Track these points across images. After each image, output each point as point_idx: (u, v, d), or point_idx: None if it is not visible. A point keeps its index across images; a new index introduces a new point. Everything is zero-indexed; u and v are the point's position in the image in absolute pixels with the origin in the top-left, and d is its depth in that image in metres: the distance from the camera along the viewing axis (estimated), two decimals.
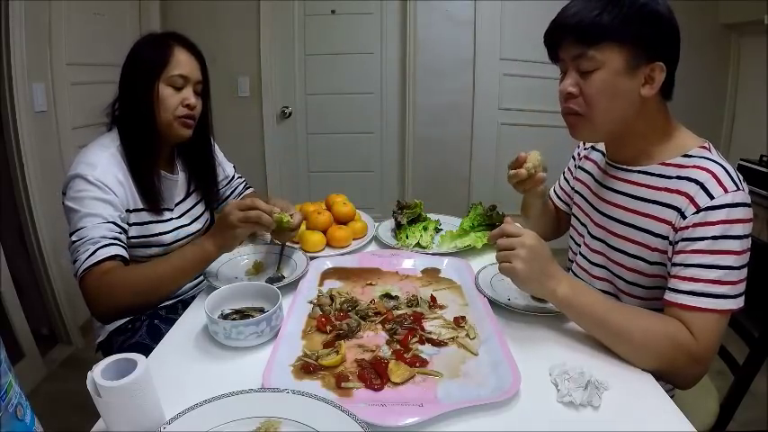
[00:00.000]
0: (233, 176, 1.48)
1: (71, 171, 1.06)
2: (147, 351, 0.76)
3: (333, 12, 3.02)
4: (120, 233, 1.05)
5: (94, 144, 1.13)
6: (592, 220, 1.04)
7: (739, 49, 2.92)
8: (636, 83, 0.86)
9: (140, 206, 1.14)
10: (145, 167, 1.14)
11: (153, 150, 1.16)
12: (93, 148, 1.11)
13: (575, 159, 1.19)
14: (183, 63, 1.13)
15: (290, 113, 3.19)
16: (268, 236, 1.33)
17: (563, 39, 0.89)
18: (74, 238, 1.01)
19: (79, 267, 0.98)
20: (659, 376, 0.80)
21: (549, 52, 0.93)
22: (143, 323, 1.18)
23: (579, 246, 1.09)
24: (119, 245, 1.02)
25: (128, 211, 1.11)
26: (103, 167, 1.07)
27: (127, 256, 1.04)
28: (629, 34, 0.83)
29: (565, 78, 0.91)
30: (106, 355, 1.19)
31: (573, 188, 1.14)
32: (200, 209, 1.33)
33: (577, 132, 0.95)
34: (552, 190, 1.28)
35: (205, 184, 1.33)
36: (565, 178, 1.24)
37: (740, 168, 2.55)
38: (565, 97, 0.92)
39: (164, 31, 1.18)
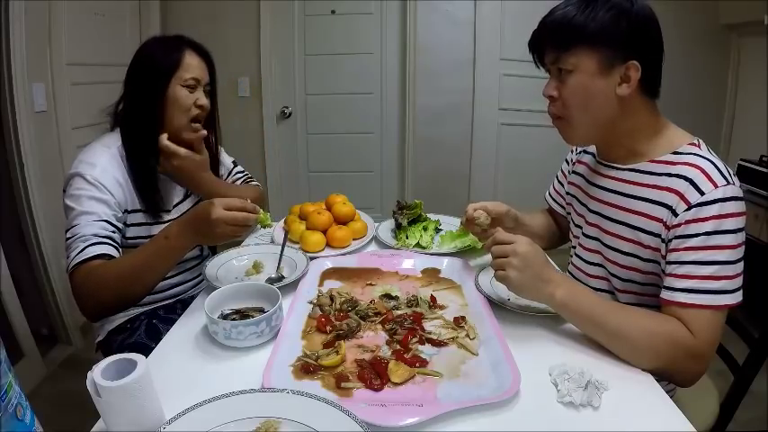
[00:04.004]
0: (231, 170, 1.46)
1: (71, 169, 1.07)
2: (145, 350, 0.76)
3: (333, 12, 3.02)
4: (113, 232, 1.04)
5: (97, 143, 1.13)
6: (585, 219, 1.04)
7: (739, 49, 2.92)
8: (611, 83, 0.87)
9: (138, 207, 1.14)
10: (145, 170, 1.13)
11: (155, 153, 1.15)
12: (94, 147, 1.11)
13: (568, 164, 1.19)
14: (193, 67, 1.13)
15: (290, 113, 3.19)
16: (268, 236, 1.33)
17: (543, 45, 0.92)
18: (68, 236, 1.02)
19: (69, 264, 0.99)
20: (660, 375, 0.80)
21: (535, 58, 0.95)
22: (142, 322, 1.19)
23: (575, 247, 1.09)
24: (109, 244, 1.02)
25: (126, 211, 1.11)
26: (103, 167, 1.07)
27: (117, 256, 1.02)
28: (600, 36, 0.84)
29: (547, 82, 0.94)
30: (106, 354, 1.19)
31: (568, 192, 1.15)
32: None
33: (567, 137, 0.97)
34: (547, 193, 1.28)
35: None
36: (559, 181, 1.24)
37: (740, 168, 2.55)
38: (548, 101, 0.94)
39: (173, 34, 1.17)
